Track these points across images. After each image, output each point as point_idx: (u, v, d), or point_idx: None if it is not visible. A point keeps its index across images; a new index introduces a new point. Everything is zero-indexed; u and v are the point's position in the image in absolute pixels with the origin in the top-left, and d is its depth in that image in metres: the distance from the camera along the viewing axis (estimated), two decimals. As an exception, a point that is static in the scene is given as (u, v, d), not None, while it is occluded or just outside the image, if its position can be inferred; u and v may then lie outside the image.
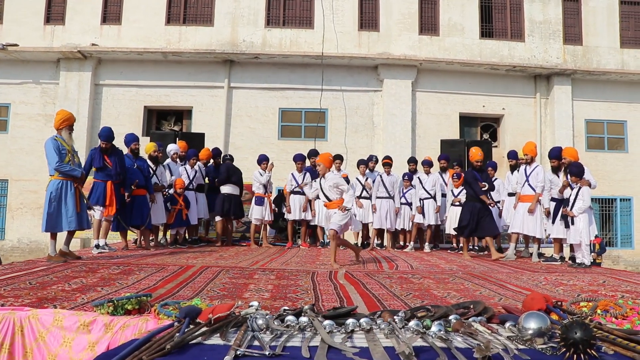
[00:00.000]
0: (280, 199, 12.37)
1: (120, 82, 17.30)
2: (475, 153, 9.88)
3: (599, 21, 18.15)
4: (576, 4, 18.20)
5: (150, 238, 10.07)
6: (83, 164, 7.88)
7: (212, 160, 11.79)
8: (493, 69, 17.53)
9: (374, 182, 11.64)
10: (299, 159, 11.67)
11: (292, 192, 11.57)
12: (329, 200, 7.94)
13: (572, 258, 8.83)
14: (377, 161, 12.18)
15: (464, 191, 11.44)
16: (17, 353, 3.55)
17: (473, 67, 17.46)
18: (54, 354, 3.50)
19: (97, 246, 8.57)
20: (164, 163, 10.72)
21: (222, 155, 12.30)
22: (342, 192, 7.85)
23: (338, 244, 8.07)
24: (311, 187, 11.18)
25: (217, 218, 11.37)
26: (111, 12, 17.49)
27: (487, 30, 17.95)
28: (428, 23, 17.78)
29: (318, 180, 8.16)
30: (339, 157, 12.41)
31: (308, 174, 11.61)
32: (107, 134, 8.70)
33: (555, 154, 9.36)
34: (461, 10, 17.79)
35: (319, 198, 11.39)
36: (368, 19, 17.70)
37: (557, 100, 17.62)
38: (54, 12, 17.46)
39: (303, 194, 11.45)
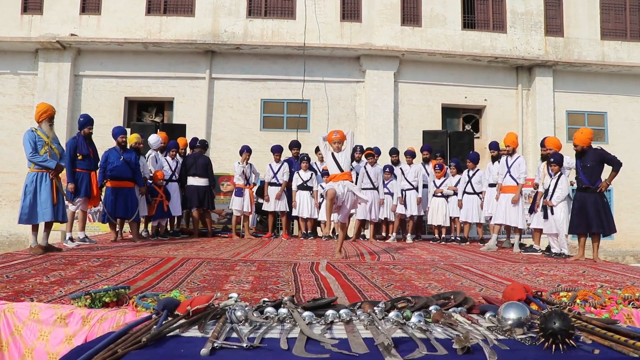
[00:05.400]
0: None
1: (100, 73, 17.08)
2: (577, 135, 8.53)
3: (579, 13, 18.27)
4: (557, -4, 18.32)
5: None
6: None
7: (188, 150, 11.67)
8: (475, 60, 17.58)
9: (357, 173, 11.59)
10: (276, 150, 11.65)
11: (270, 183, 11.55)
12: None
13: (548, 248, 8.94)
14: (362, 151, 12.11)
15: (446, 182, 11.50)
16: (-8, 347, 3.50)
17: (455, 58, 17.50)
18: (30, 347, 3.45)
19: (71, 239, 8.44)
20: (147, 154, 10.59)
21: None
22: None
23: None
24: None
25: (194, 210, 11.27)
26: (90, 1, 17.23)
27: (470, 22, 17.98)
28: (410, 14, 17.76)
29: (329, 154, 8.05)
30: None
31: (286, 165, 11.58)
32: (91, 118, 8.66)
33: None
34: (443, 1, 17.79)
35: (305, 190, 11.47)
36: (350, 9, 17.64)
37: (539, 92, 17.74)
38: (32, 1, 17.14)
39: (279, 185, 11.46)
